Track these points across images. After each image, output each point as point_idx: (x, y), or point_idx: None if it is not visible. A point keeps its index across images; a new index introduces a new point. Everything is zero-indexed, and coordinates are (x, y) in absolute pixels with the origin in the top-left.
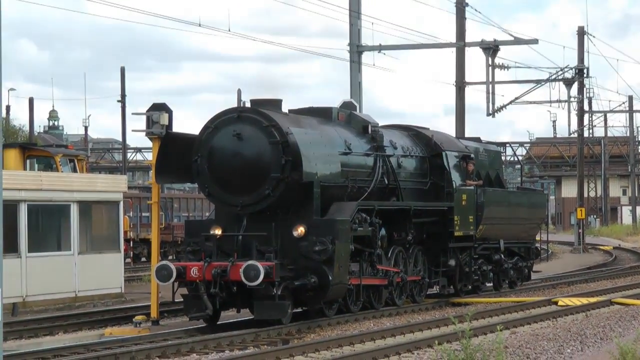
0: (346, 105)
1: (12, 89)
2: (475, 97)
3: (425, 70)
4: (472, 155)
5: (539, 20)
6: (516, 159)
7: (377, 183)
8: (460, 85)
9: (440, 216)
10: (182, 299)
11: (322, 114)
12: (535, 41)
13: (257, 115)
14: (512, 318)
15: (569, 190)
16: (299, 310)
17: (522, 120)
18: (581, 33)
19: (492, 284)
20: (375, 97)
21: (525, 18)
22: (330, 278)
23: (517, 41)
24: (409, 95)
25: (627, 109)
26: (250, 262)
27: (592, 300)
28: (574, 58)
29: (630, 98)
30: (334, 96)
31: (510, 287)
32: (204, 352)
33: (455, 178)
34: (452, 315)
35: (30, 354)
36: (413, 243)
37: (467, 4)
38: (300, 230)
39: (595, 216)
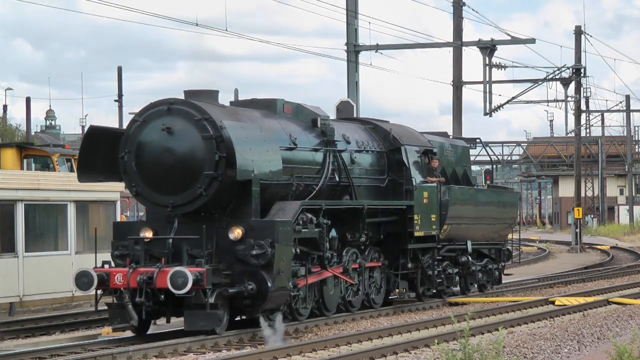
0: (343, 105)
1: (9, 89)
2: (471, 96)
3: (422, 69)
4: (435, 151)
5: (534, 20)
6: (502, 157)
7: (326, 180)
8: (458, 84)
9: (399, 215)
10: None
11: (266, 106)
12: (532, 41)
13: (189, 108)
14: (509, 317)
15: (566, 189)
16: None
17: (517, 120)
18: (578, 32)
19: (459, 288)
20: (371, 96)
21: (520, 17)
22: (269, 284)
23: (514, 41)
24: (406, 95)
25: (624, 108)
26: (177, 268)
27: (590, 299)
28: (569, 57)
29: (627, 97)
30: (330, 96)
31: (480, 290)
32: (201, 351)
33: (416, 175)
34: (450, 314)
35: (27, 354)
36: (369, 244)
37: (464, 3)
38: (237, 232)
39: (592, 216)
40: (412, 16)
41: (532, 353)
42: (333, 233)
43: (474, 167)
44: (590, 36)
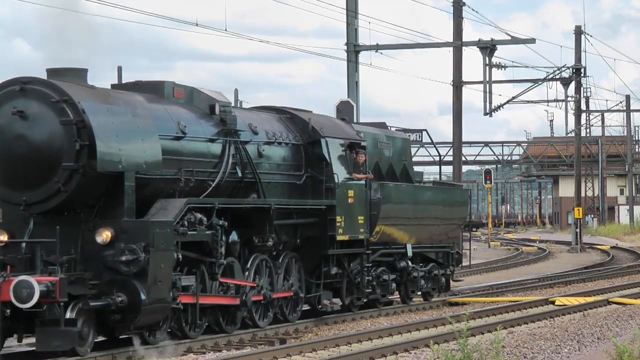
0: (343, 105)
1: None
2: (471, 96)
3: (422, 69)
4: (364, 144)
5: (533, 20)
6: (502, 157)
7: (226, 176)
8: (458, 84)
9: (319, 217)
10: None
11: (152, 89)
12: (532, 41)
13: (46, 88)
14: (509, 317)
15: (566, 189)
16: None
17: (517, 120)
18: (578, 32)
19: (399, 296)
20: (372, 96)
21: (519, 17)
22: (142, 296)
23: (514, 41)
24: (406, 95)
25: (624, 108)
26: (21, 277)
27: (590, 299)
28: (569, 57)
29: (628, 97)
30: (330, 96)
31: (424, 299)
32: (201, 352)
33: (339, 170)
34: (449, 315)
35: (27, 354)
36: (283, 250)
37: (464, 3)
38: (105, 235)
39: (592, 216)
40: (412, 16)
41: (532, 353)
42: (234, 236)
43: (472, 167)
44: (590, 36)
